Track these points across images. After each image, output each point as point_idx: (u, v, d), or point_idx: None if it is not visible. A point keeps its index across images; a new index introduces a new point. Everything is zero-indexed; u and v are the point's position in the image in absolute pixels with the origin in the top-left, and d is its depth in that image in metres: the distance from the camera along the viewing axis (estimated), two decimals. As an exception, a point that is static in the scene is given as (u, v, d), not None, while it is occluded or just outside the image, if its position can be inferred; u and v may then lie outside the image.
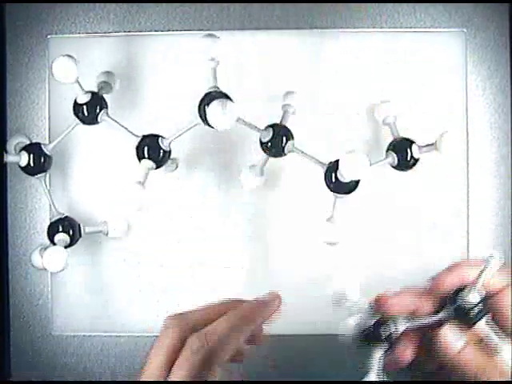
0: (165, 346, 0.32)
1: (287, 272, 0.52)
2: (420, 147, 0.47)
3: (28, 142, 0.50)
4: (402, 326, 0.36)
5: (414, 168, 0.48)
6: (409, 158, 0.47)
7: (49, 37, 0.52)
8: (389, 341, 0.36)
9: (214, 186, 0.52)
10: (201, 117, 0.44)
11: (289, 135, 0.47)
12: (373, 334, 0.36)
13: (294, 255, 0.52)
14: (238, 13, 0.51)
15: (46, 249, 0.47)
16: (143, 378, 0.33)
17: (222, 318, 0.33)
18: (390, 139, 0.48)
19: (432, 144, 0.47)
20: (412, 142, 0.47)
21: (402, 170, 0.48)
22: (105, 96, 0.48)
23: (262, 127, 0.47)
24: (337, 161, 0.45)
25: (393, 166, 0.48)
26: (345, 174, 0.42)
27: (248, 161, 0.50)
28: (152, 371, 0.32)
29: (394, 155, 0.47)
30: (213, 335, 0.32)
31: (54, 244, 0.48)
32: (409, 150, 0.47)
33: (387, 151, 0.48)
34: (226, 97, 0.44)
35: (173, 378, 0.31)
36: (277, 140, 0.47)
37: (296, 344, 0.51)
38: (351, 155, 0.41)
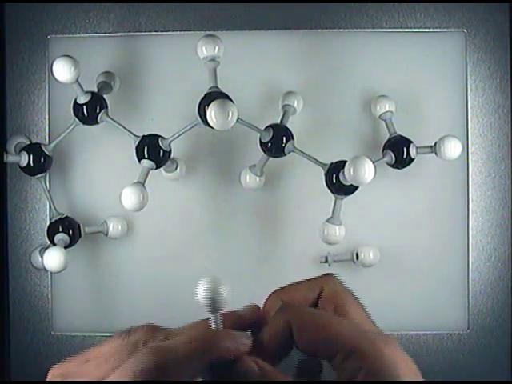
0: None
1: (287, 271, 0.51)
2: (417, 148, 0.47)
3: (28, 143, 0.50)
4: None
5: (411, 167, 0.48)
6: (405, 157, 0.47)
7: (49, 37, 0.52)
8: None
9: (214, 186, 0.52)
10: (201, 117, 0.44)
11: (289, 135, 0.47)
12: None
13: (294, 255, 0.52)
14: (238, 13, 0.51)
15: (46, 249, 0.47)
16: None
17: (186, 335, 0.29)
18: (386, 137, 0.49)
19: (430, 146, 0.47)
20: (410, 142, 0.47)
21: (398, 168, 0.48)
22: (105, 96, 0.48)
23: (262, 127, 0.47)
24: (337, 162, 0.45)
25: (389, 164, 0.48)
26: (350, 179, 0.42)
27: (248, 161, 0.50)
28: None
29: (392, 153, 0.47)
30: (171, 353, 0.27)
31: (54, 244, 0.48)
32: (405, 149, 0.47)
33: (384, 149, 0.48)
34: (226, 97, 0.44)
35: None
36: (277, 140, 0.47)
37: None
38: (357, 160, 0.41)
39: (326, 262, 0.50)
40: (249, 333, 0.31)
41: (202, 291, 0.32)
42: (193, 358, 0.27)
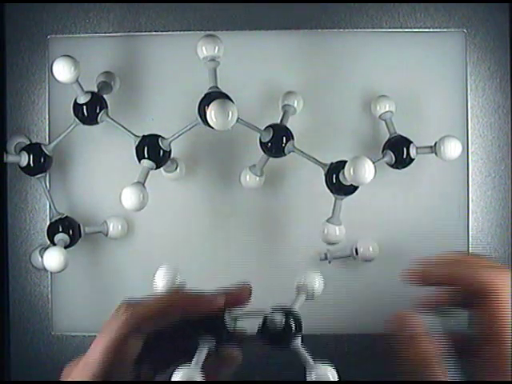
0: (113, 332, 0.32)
1: (287, 271, 0.51)
2: (417, 148, 0.47)
3: (28, 143, 0.51)
4: None
5: (411, 167, 0.48)
6: (405, 157, 0.47)
7: (49, 37, 0.52)
8: None
9: (214, 186, 0.52)
10: (201, 117, 0.44)
11: (289, 135, 0.47)
12: None
13: (294, 255, 0.52)
14: (238, 13, 0.51)
15: (46, 249, 0.47)
16: (83, 360, 0.32)
17: (164, 296, 0.34)
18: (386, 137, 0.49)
19: (430, 146, 0.47)
20: (410, 142, 0.47)
21: (398, 168, 0.48)
22: (105, 96, 0.48)
23: (262, 127, 0.47)
24: (337, 162, 0.45)
25: (389, 164, 0.48)
26: (350, 179, 0.42)
27: (248, 161, 0.50)
28: (94, 355, 0.32)
29: (391, 154, 0.47)
30: (144, 308, 0.32)
31: (54, 244, 0.48)
32: (405, 149, 0.47)
33: (384, 149, 0.48)
34: (226, 97, 0.44)
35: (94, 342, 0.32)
36: (277, 140, 0.47)
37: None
38: (357, 160, 0.41)
39: (326, 259, 0.50)
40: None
41: (159, 279, 0.36)
42: (162, 312, 0.32)
